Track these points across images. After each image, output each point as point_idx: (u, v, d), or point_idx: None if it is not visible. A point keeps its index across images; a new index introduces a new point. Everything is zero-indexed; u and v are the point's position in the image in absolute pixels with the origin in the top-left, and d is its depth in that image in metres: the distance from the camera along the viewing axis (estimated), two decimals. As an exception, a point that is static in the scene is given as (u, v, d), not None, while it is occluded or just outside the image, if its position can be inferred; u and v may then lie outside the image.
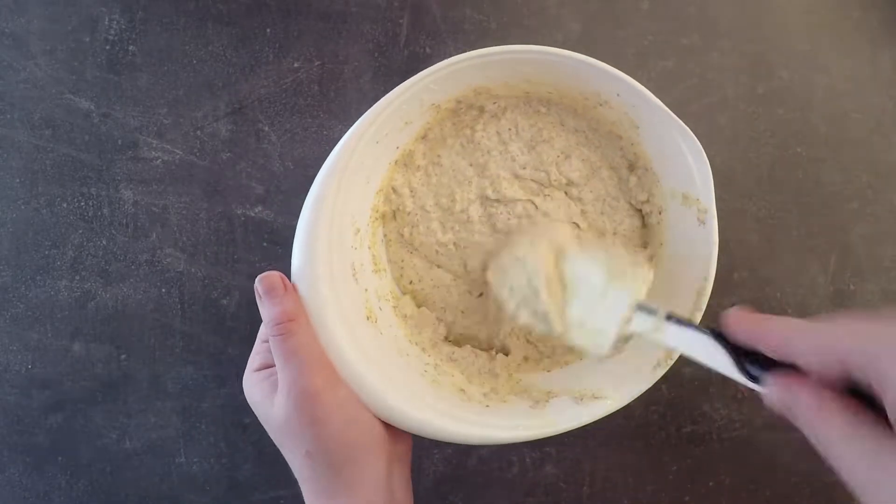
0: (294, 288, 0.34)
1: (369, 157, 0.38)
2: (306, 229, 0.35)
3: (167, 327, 0.50)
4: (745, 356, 0.27)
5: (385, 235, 0.43)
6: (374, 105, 0.36)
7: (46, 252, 0.50)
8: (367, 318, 0.39)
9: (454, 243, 0.42)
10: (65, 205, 0.50)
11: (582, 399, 0.37)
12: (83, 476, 0.50)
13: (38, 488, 0.50)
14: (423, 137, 0.42)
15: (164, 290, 0.50)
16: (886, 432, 0.21)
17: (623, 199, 0.41)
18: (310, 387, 0.32)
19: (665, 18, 0.49)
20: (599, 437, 0.49)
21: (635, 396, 0.36)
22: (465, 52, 0.35)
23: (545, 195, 0.41)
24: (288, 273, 0.35)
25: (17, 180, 0.50)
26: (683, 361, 0.36)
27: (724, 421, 0.49)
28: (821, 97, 0.49)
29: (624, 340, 0.33)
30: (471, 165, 0.42)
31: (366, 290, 0.40)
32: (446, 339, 0.43)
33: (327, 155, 0.36)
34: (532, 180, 0.41)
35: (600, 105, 0.39)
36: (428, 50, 0.50)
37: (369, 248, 0.41)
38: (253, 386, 0.35)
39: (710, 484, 0.49)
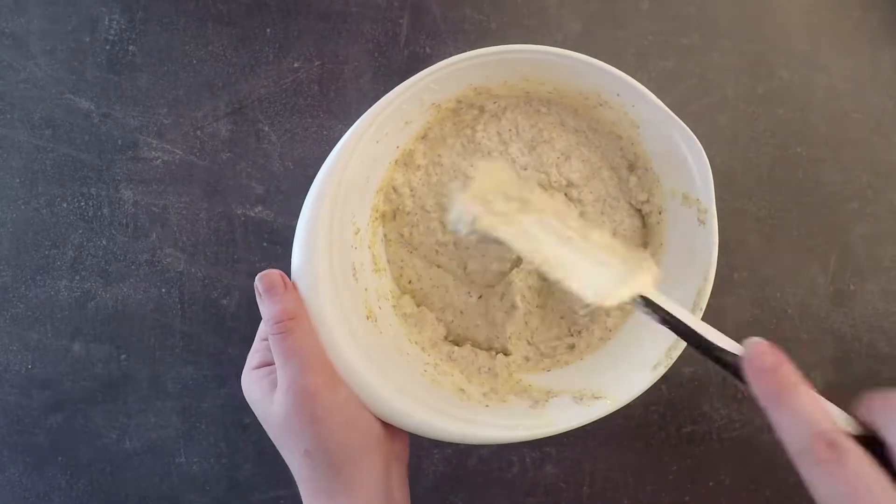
0: (294, 286, 0.34)
1: (369, 157, 0.38)
2: (306, 229, 0.35)
3: (167, 327, 0.50)
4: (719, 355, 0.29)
5: (385, 235, 0.43)
6: (374, 105, 0.36)
7: (46, 252, 0.50)
8: (367, 318, 0.39)
9: (454, 243, 0.42)
10: (65, 205, 0.50)
11: (582, 399, 0.37)
12: (83, 476, 0.50)
13: (38, 488, 0.50)
14: (424, 137, 0.42)
15: (164, 290, 0.50)
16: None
17: (623, 199, 0.41)
18: (309, 385, 0.32)
19: (665, 18, 0.49)
20: (599, 437, 0.49)
21: (635, 396, 0.35)
22: (465, 51, 0.35)
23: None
24: (288, 272, 0.35)
25: (17, 180, 0.50)
26: (683, 361, 0.36)
27: (724, 421, 0.49)
28: (821, 97, 0.49)
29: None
30: (472, 166, 0.42)
31: (366, 289, 0.40)
32: (446, 338, 0.43)
33: (327, 155, 0.36)
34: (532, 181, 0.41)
35: (600, 105, 0.39)
36: (428, 50, 0.50)
37: (369, 247, 0.41)
38: (252, 384, 0.35)
39: (710, 484, 0.49)
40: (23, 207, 0.50)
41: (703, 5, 0.50)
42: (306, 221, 0.35)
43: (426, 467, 0.50)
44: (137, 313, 0.50)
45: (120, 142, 0.50)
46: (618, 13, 0.49)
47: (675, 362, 0.35)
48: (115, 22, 0.50)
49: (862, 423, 0.25)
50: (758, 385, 0.25)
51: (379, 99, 0.36)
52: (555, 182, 0.41)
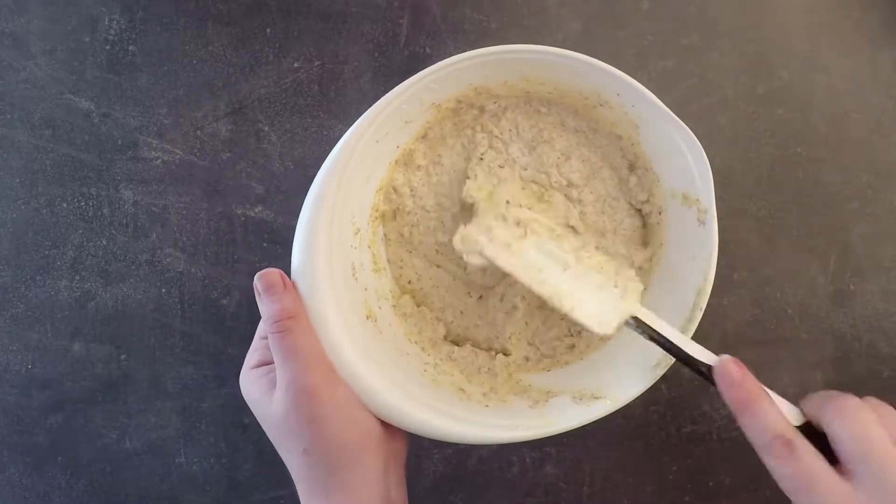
0: (294, 285, 0.34)
1: (369, 157, 0.38)
2: (306, 228, 0.35)
3: (167, 327, 0.50)
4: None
5: (385, 235, 0.43)
6: (374, 104, 0.36)
7: (46, 252, 0.50)
8: (367, 317, 0.39)
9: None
10: (65, 205, 0.50)
11: (582, 399, 0.37)
12: (83, 476, 0.50)
13: (38, 488, 0.50)
14: (424, 137, 0.42)
15: (164, 290, 0.50)
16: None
17: (623, 199, 0.41)
18: (309, 384, 0.32)
19: (665, 18, 0.49)
20: (599, 437, 0.49)
21: (635, 396, 0.35)
22: (465, 51, 0.35)
23: (545, 200, 0.41)
24: (288, 272, 0.35)
25: (17, 180, 0.50)
26: (683, 361, 0.36)
27: (724, 421, 0.49)
28: (821, 97, 0.49)
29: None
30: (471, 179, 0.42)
31: (365, 288, 0.39)
32: (446, 338, 0.43)
33: (327, 155, 0.36)
34: (533, 181, 0.41)
35: (600, 105, 0.39)
36: (428, 50, 0.50)
37: (369, 247, 0.41)
38: (251, 383, 0.35)
39: (710, 484, 0.49)
40: (23, 207, 0.50)
41: (703, 5, 0.50)
42: (306, 221, 0.35)
43: (426, 467, 0.49)
44: (137, 313, 0.50)
45: (120, 142, 0.50)
46: (618, 13, 0.49)
47: (674, 362, 0.35)
48: (115, 22, 0.50)
49: (808, 417, 0.31)
50: (728, 395, 0.31)
51: (379, 99, 0.36)
52: (555, 182, 0.41)
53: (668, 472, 0.49)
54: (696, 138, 0.35)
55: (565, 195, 0.41)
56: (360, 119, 0.36)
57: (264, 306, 0.34)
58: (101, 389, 0.50)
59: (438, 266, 0.43)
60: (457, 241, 0.38)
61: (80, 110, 0.50)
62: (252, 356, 0.36)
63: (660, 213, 0.40)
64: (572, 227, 0.41)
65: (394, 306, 0.42)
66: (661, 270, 0.40)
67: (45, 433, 0.50)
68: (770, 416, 0.30)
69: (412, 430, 0.35)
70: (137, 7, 0.50)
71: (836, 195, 0.49)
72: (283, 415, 0.32)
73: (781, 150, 0.49)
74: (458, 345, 0.42)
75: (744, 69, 0.49)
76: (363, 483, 0.33)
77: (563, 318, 0.40)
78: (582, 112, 0.41)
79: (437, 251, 0.42)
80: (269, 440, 0.34)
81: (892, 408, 0.30)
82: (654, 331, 0.34)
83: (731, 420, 0.49)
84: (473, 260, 0.37)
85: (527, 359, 0.42)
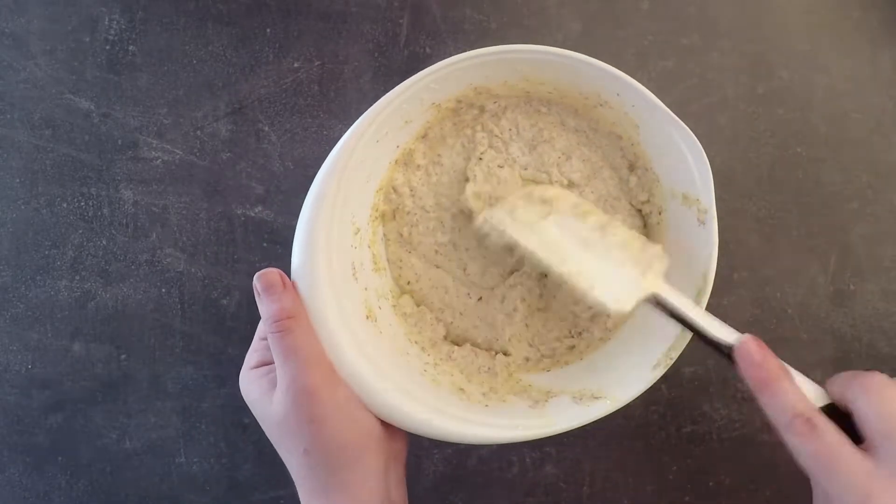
0: (293, 285, 0.34)
1: (369, 157, 0.38)
2: (306, 228, 0.35)
3: (167, 327, 0.50)
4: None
5: (385, 235, 0.43)
6: (374, 104, 0.36)
7: (46, 252, 0.50)
8: (367, 317, 0.39)
9: (453, 244, 0.42)
10: (65, 205, 0.50)
11: (581, 399, 0.37)
12: (83, 476, 0.50)
13: (38, 488, 0.50)
14: (424, 136, 0.42)
15: (164, 290, 0.50)
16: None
17: (624, 199, 0.41)
18: (309, 384, 0.32)
19: (665, 18, 0.49)
20: (599, 437, 0.49)
21: (635, 396, 0.35)
22: (465, 51, 0.35)
23: None
24: (288, 272, 0.35)
25: (17, 180, 0.50)
26: (683, 361, 0.36)
27: (724, 421, 0.49)
28: (821, 97, 0.49)
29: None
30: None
31: (365, 288, 0.40)
32: (445, 338, 0.43)
33: (327, 155, 0.36)
34: (533, 181, 0.41)
35: (600, 105, 0.39)
36: (428, 50, 0.50)
37: (369, 247, 0.41)
38: (250, 383, 0.35)
39: (710, 484, 0.49)
40: (23, 207, 0.50)
41: (703, 5, 0.50)
42: (306, 221, 0.35)
43: (426, 467, 0.49)
44: (137, 313, 0.50)
45: (120, 142, 0.50)
46: (618, 13, 0.49)
47: (674, 362, 0.35)
48: (115, 22, 0.50)
49: (833, 397, 0.31)
50: (749, 375, 0.31)
51: (379, 99, 0.36)
52: (556, 181, 0.41)
53: (668, 472, 0.49)
54: (696, 138, 0.35)
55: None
56: (360, 119, 0.36)
57: (264, 306, 0.34)
58: (101, 389, 0.50)
59: (438, 267, 0.43)
60: (480, 222, 0.38)
61: (80, 110, 0.50)
62: (252, 356, 0.36)
63: (660, 213, 0.40)
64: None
65: (394, 306, 0.42)
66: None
67: (45, 433, 0.50)
68: (790, 395, 0.30)
69: (412, 430, 0.35)
70: (137, 7, 0.50)
71: (836, 195, 0.49)
72: (283, 415, 0.32)
73: (781, 150, 0.49)
74: (457, 345, 0.42)
75: (744, 69, 0.49)
76: (363, 483, 0.33)
77: (578, 301, 0.40)
78: (582, 112, 0.41)
79: (437, 251, 0.42)
80: (269, 440, 0.34)
81: None
82: (676, 307, 0.33)
83: (731, 420, 0.49)
84: (497, 239, 0.37)
85: (527, 359, 0.42)
